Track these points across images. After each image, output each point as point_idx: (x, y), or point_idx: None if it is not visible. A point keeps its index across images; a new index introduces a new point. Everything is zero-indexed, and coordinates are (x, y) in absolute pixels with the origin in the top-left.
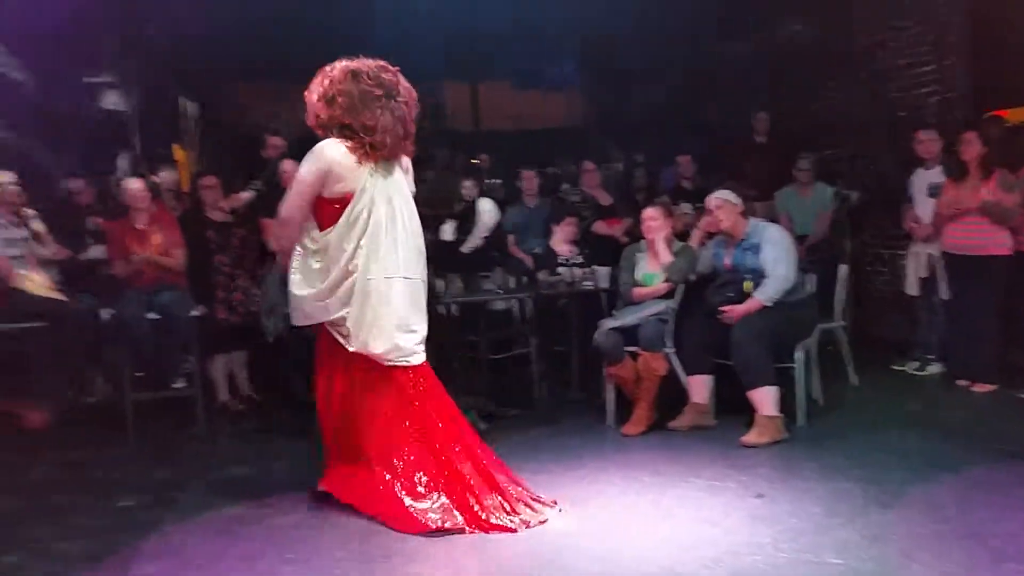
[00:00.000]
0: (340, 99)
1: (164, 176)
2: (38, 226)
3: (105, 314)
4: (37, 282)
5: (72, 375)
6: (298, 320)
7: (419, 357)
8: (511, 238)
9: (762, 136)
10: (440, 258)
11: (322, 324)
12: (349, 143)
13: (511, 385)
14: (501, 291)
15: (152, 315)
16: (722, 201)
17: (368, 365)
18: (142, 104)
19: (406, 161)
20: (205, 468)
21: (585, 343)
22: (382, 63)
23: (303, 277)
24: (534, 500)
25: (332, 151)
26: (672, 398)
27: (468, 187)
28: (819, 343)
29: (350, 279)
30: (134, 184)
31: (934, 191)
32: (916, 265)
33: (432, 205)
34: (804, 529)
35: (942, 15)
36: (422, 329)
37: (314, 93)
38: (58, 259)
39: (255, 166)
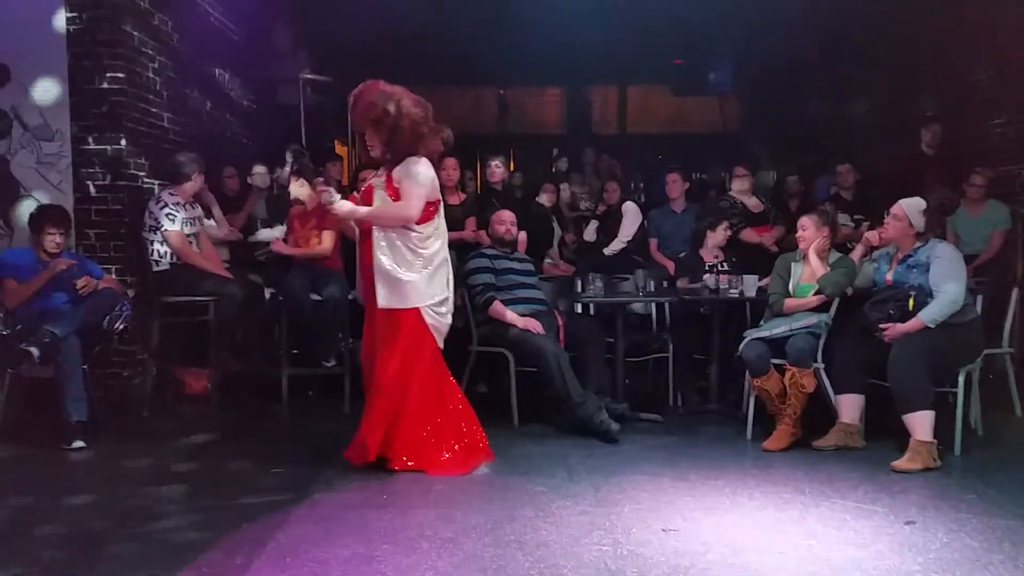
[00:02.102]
0: (413, 126)
1: (328, 169)
2: (214, 208)
3: (271, 292)
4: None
5: (236, 349)
6: (392, 303)
7: None
8: (653, 242)
9: (931, 148)
10: (582, 258)
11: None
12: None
13: (647, 390)
14: (640, 294)
15: (315, 296)
16: (903, 213)
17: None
18: (309, 100)
19: None
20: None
21: (726, 353)
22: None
23: (405, 266)
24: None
25: (429, 165)
26: (818, 416)
27: (612, 190)
28: (982, 369)
29: (446, 267)
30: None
31: None
32: None
33: (575, 207)
34: (959, 561)
35: None
36: None
37: (388, 117)
38: (230, 240)
39: None
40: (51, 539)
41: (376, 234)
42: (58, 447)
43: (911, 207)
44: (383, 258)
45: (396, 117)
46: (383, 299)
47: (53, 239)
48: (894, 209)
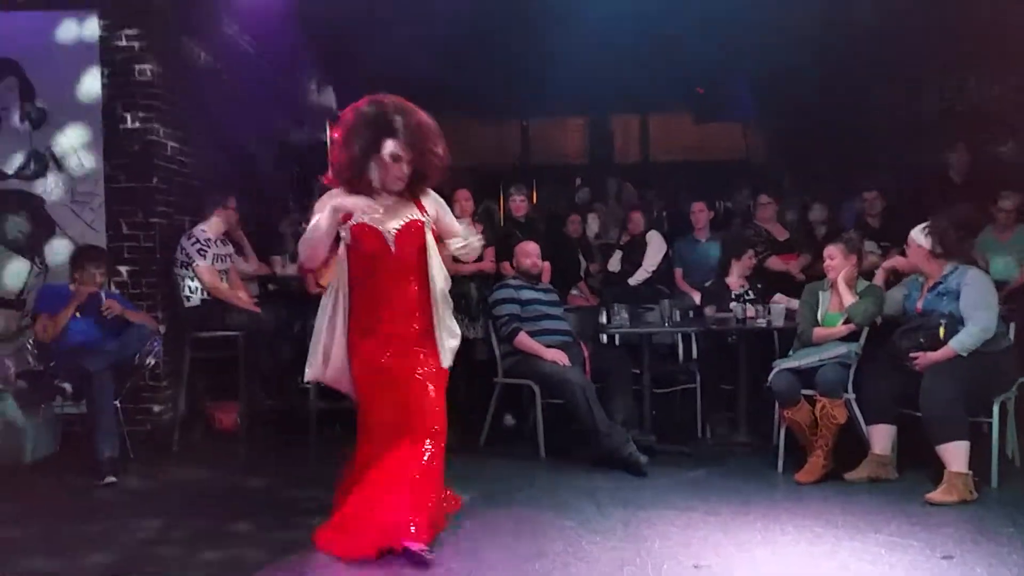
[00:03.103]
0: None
1: None
2: (244, 243)
3: (299, 325)
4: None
5: (266, 383)
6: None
7: None
8: (679, 272)
9: (959, 174)
10: (607, 289)
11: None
12: None
13: (674, 421)
14: (666, 324)
15: None
16: (911, 239)
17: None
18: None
19: None
20: None
21: (755, 383)
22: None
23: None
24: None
25: None
26: (850, 447)
27: (636, 219)
28: (1018, 399)
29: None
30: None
31: None
32: None
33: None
34: None
35: None
36: None
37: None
38: (259, 275)
39: None
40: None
41: (439, 281)
42: (90, 482)
43: (916, 232)
44: (446, 311)
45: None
46: (449, 356)
47: (94, 277)
48: (908, 240)
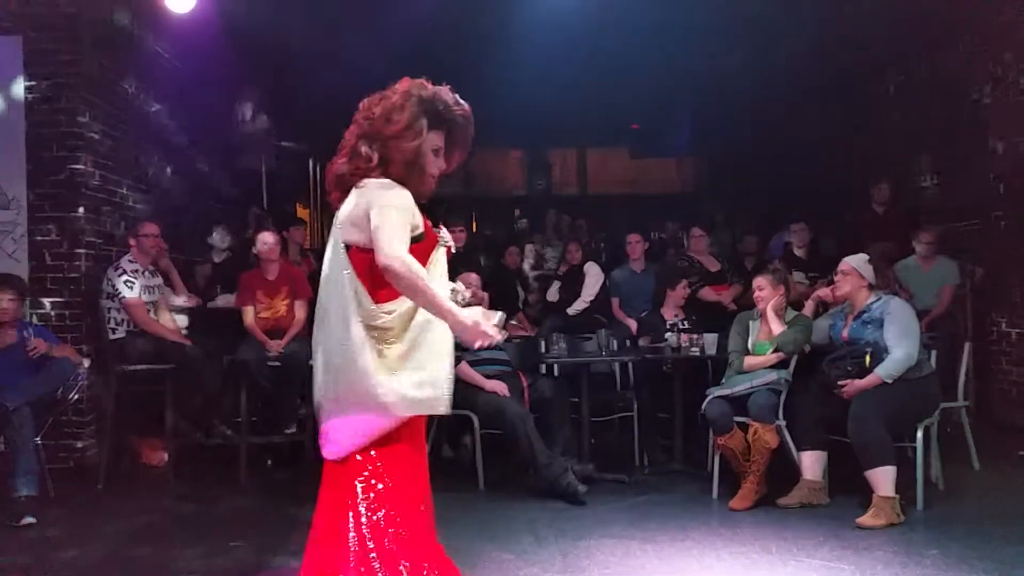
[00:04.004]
0: None
1: (291, 232)
2: (173, 275)
3: (228, 359)
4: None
5: (195, 417)
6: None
7: None
8: (615, 302)
9: (881, 206)
10: (545, 318)
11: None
12: None
13: (612, 449)
14: (603, 353)
15: (273, 362)
16: (851, 267)
17: None
18: (271, 164)
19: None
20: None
21: (689, 411)
22: None
23: None
24: None
25: None
26: (782, 473)
27: (574, 250)
28: (940, 423)
29: None
30: (269, 238)
31: None
32: None
33: (539, 267)
34: None
35: None
36: None
37: None
38: (188, 306)
39: None
40: None
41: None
42: (6, 524)
43: (857, 261)
44: None
45: None
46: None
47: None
48: (841, 266)
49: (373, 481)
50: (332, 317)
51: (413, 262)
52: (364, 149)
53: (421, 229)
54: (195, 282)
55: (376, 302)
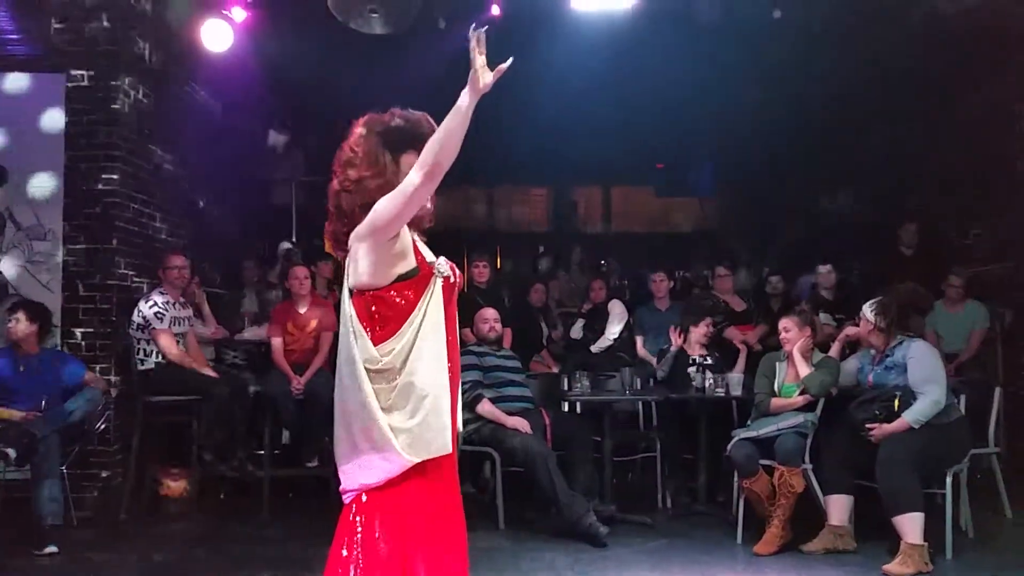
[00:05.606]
0: None
1: (320, 267)
2: (203, 307)
3: (254, 391)
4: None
5: (219, 449)
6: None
7: None
8: (639, 340)
9: (909, 248)
10: (568, 356)
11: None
12: None
13: (635, 490)
14: (627, 391)
15: (297, 395)
16: (863, 312)
17: None
18: (301, 199)
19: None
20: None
21: (714, 452)
22: None
23: None
24: None
25: None
26: (808, 517)
27: (598, 288)
28: (970, 470)
29: None
30: (300, 272)
31: None
32: None
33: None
34: None
35: None
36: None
37: None
38: (216, 338)
39: None
40: None
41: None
42: (29, 552)
43: (866, 307)
44: None
45: None
46: None
47: (16, 326)
48: (863, 312)
49: (376, 522)
50: (342, 358)
51: (418, 164)
52: (345, 204)
53: (413, 264)
54: (239, 315)
55: (375, 343)
